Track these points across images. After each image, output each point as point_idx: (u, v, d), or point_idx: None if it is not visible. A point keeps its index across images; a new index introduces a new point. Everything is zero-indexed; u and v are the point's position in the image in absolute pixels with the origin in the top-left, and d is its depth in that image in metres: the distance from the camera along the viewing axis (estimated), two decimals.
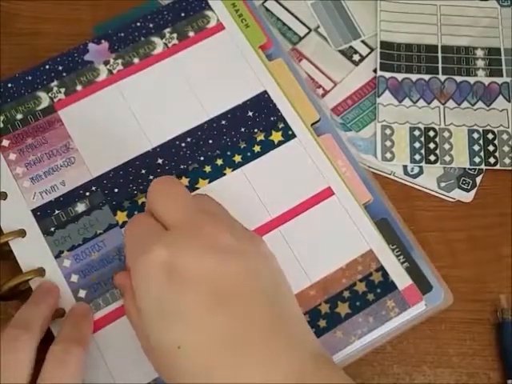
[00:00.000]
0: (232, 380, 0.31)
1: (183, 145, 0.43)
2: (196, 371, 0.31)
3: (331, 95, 0.48)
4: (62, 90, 0.44)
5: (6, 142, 0.42)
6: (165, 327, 0.32)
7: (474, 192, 0.46)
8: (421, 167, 0.46)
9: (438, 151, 0.46)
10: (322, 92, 0.48)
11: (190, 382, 0.31)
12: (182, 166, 0.42)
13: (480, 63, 0.49)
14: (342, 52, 0.49)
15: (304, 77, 0.46)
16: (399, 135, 0.46)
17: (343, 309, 0.39)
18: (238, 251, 0.33)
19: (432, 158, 0.46)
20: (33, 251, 0.40)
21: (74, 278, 0.39)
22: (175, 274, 0.32)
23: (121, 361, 0.38)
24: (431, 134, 0.47)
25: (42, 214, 0.41)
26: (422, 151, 0.46)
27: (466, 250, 0.44)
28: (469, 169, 0.46)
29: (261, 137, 0.43)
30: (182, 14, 0.46)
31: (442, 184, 0.46)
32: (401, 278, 0.40)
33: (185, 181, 0.42)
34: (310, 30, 0.49)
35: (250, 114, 0.44)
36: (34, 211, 0.41)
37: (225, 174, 0.42)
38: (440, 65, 0.49)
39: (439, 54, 0.49)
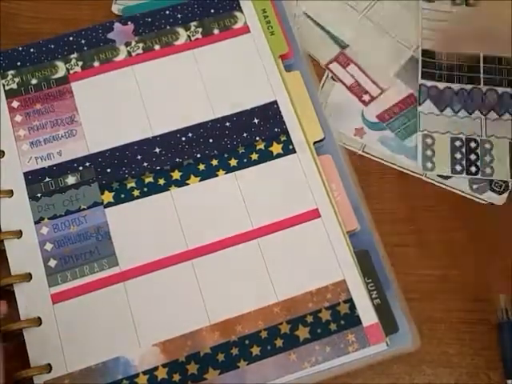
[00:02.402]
0: None
1: (183, 139, 0.43)
2: None
3: (378, 102, 0.47)
4: (80, 63, 0.44)
5: (15, 104, 0.43)
6: None
7: (506, 195, 0.45)
8: None
9: (478, 163, 0.46)
10: (369, 98, 0.47)
11: None
12: (177, 159, 0.42)
13: None
14: None
15: (318, 96, 0.46)
16: (440, 145, 0.46)
17: (303, 333, 0.39)
18: None
19: (473, 169, 0.46)
20: (15, 212, 0.41)
21: (49, 246, 0.40)
22: None
23: (74, 338, 0.38)
24: (472, 145, 0.46)
25: (32, 178, 0.41)
26: (464, 162, 0.46)
27: (466, 250, 0.44)
28: None
29: (261, 146, 0.43)
30: (212, 11, 0.46)
31: (475, 186, 0.45)
32: (367, 315, 0.39)
33: (177, 174, 0.42)
34: None
35: (256, 121, 0.43)
36: (26, 174, 0.42)
37: (217, 176, 0.42)
38: (482, 75, 0.48)
39: (481, 64, 0.48)
